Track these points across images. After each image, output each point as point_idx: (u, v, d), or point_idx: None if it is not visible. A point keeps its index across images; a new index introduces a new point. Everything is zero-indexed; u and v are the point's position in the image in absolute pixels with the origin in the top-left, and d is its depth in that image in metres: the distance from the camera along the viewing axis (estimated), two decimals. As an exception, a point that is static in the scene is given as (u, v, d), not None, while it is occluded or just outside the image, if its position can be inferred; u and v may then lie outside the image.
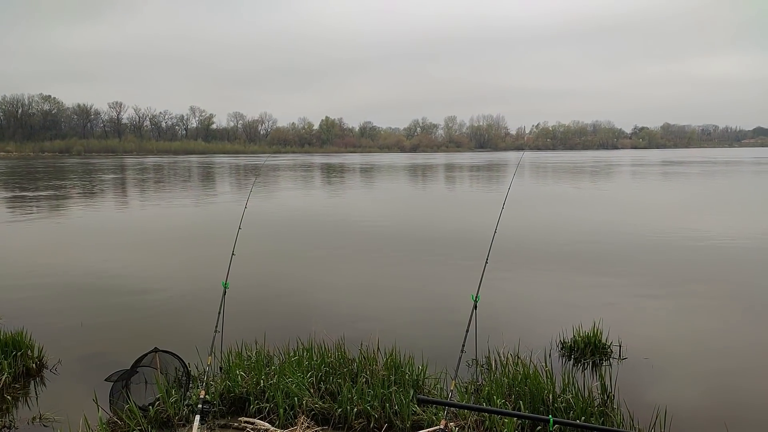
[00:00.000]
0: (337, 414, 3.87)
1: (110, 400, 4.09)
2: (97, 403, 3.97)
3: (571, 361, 5.14)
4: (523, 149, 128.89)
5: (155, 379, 4.18)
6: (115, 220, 15.78)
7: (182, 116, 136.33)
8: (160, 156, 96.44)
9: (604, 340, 5.28)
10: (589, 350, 5.20)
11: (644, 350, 5.29)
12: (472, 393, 4.22)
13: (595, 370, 4.89)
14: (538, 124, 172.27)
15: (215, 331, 4.26)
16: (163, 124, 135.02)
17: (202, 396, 3.80)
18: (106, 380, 4.25)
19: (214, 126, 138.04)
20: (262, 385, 4.11)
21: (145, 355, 4.32)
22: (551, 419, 2.69)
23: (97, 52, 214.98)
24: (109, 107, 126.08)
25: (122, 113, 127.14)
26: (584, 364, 5.08)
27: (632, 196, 22.23)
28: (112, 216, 16.47)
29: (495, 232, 4.98)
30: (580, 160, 67.75)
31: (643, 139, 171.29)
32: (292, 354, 4.67)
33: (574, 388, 4.03)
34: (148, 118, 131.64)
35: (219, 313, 4.38)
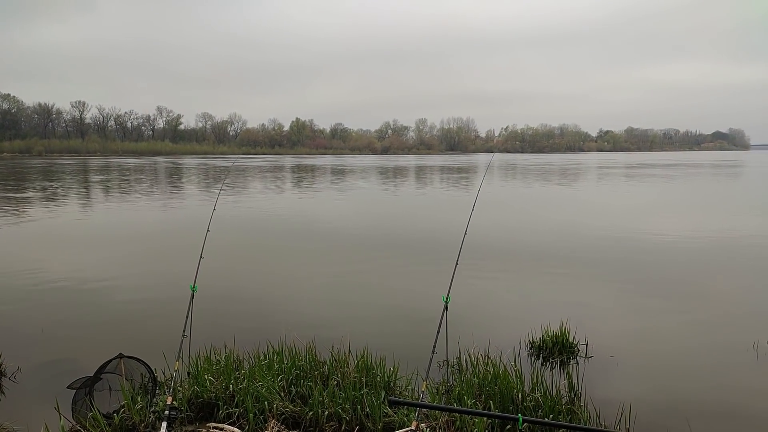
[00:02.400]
0: (308, 417, 3.85)
1: (73, 408, 3.97)
2: (59, 411, 3.84)
3: (540, 361, 5.23)
4: (492, 152, 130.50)
5: (120, 385, 4.07)
6: (78, 223, 15.34)
7: (149, 116, 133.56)
8: (126, 157, 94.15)
9: (571, 339, 5.39)
10: (557, 349, 5.30)
11: (610, 348, 5.42)
12: (443, 393, 4.24)
13: (563, 369, 4.99)
14: (507, 127, 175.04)
15: (183, 335, 4.18)
16: (129, 125, 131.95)
17: (169, 402, 3.72)
18: (68, 388, 4.12)
19: (182, 126, 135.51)
20: (231, 389, 4.05)
21: (110, 361, 4.21)
22: (520, 418, 2.73)
23: (57, 50, 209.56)
24: (72, 106, 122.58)
25: (85, 113, 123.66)
26: (552, 363, 5.17)
27: (598, 198, 22.76)
28: (74, 219, 15.99)
29: (465, 233, 5.03)
30: (549, 162, 69.03)
31: (608, 142, 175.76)
32: (262, 358, 4.62)
33: (543, 386, 4.10)
34: (112, 118, 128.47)
35: (187, 317, 4.30)
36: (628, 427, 3.89)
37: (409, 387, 4.38)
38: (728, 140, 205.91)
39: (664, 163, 62.54)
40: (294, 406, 3.95)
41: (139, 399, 3.96)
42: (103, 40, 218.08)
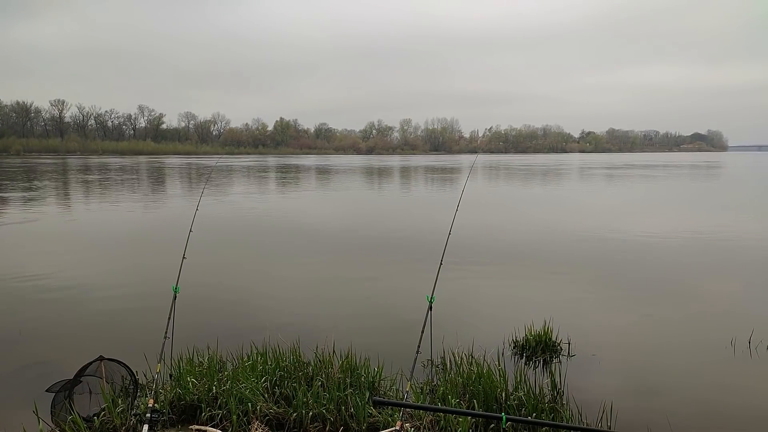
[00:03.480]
0: (292, 418, 3.83)
1: (52, 411, 3.90)
2: (37, 415, 3.77)
3: (523, 360, 5.26)
4: (476, 152, 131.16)
5: (101, 388, 4.01)
6: (58, 223, 15.08)
7: (130, 115, 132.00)
8: (106, 156, 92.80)
9: (554, 338, 5.44)
10: (540, 348, 5.34)
11: (592, 347, 5.47)
12: (428, 393, 4.25)
13: (546, 368, 5.03)
14: (491, 128, 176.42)
15: (165, 337, 4.13)
16: (109, 124, 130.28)
17: (150, 405, 3.68)
18: (47, 391, 4.05)
19: (164, 126, 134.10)
20: (214, 391, 4.02)
21: (90, 363, 4.14)
22: (504, 417, 2.74)
23: (36, 48, 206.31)
24: (51, 105, 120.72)
25: (65, 111, 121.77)
26: (535, 361, 5.21)
27: (581, 198, 23.00)
28: (54, 219, 15.72)
29: (449, 233, 5.04)
30: (532, 163, 69.60)
31: (590, 143, 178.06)
32: (245, 359, 4.59)
33: (526, 385, 4.13)
34: (92, 117, 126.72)
35: (169, 318, 4.25)
36: (609, 424, 3.94)
37: (394, 387, 4.38)
38: (707, 142, 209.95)
39: (645, 164, 63.44)
40: (278, 407, 3.93)
41: (120, 402, 3.91)
42: (83, 38, 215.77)
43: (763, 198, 23.64)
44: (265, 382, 4.16)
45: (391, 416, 3.77)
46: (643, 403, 4.45)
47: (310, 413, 3.82)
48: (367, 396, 4.00)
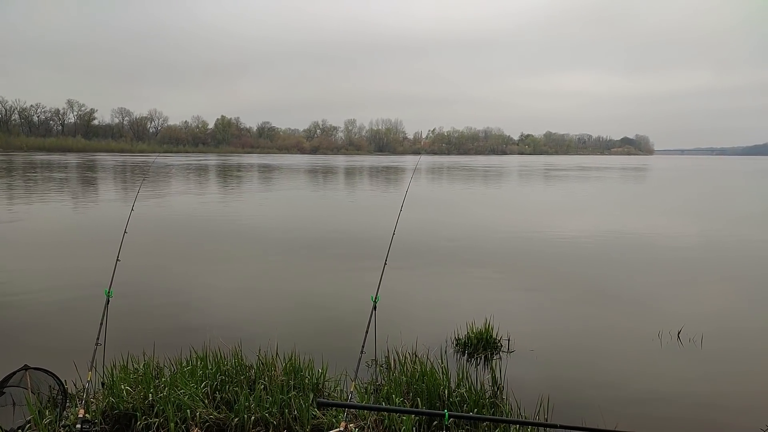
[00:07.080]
0: (233, 424, 3.74)
1: (-30, 426, 3.63)
2: (-48, 431, 3.50)
3: (465, 357, 5.38)
4: (420, 153, 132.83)
5: (26, 399, 3.77)
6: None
7: (58, 110, 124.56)
8: (32, 153, 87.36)
9: (494, 335, 5.59)
10: (481, 345, 5.48)
11: (530, 343, 5.67)
12: (372, 393, 4.27)
13: (487, 364, 5.16)
14: (434, 129, 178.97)
15: (97, 343, 3.93)
16: (35, 119, 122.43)
17: (81, 415, 3.49)
18: (-36, 405, 3.77)
19: (96, 122, 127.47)
20: (150, 399, 3.86)
21: (14, 373, 3.88)
22: (446, 413, 2.79)
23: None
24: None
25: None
26: (477, 358, 5.34)
27: (518, 199, 23.77)
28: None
29: (393, 234, 5.08)
30: (473, 165, 71.21)
31: (529, 145, 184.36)
32: (184, 364, 4.44)
33: (468, 382, 4.23)
34: (16, 111, 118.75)
35: (101, 323, 4.05)
36: (546, 416, 4.09)
37: (338, 388, 4.36)
38: (635, 145, 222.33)
39: (579, 166, 66.30)
40: (218, 412, 3.83)
41: (47, 413, 3.69)
42: (3, 30, 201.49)
43: (689, 198, 25.24)
44: (205, 387, 4.05)
45: (335, 417, 3.75)
46: (578, 395, 4.65)
47: (253, 417, 3.75)
48: (311, 398, 3.97)
